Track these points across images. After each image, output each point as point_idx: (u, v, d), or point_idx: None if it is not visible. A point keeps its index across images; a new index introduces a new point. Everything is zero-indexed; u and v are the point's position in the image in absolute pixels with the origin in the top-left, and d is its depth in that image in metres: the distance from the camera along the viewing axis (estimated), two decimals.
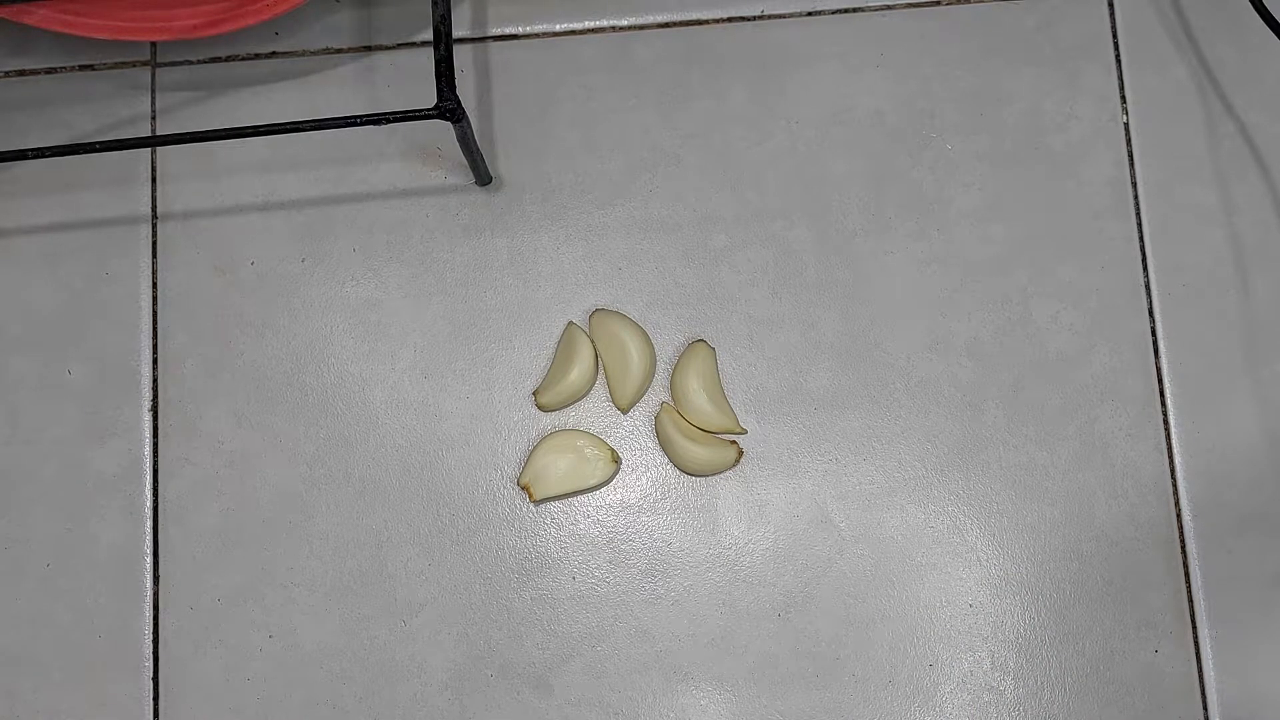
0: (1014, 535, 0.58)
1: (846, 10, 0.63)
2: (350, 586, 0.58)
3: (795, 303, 0.60)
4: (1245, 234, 0.60)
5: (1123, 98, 0.62)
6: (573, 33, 0.63)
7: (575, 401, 0.60)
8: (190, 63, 0.63)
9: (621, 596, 0.58)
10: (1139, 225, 0.61)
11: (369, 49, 0.63)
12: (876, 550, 0.58)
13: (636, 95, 0.62)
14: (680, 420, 0.59)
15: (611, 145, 0.62)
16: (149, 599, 0.58)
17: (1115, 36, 0.62)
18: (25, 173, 0.62)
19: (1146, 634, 0.57)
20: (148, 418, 0.60)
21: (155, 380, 0.60)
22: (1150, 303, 0.60)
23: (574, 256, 0.61)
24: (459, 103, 0.53)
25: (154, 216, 0.62)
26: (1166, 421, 0.59)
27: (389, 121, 0.53)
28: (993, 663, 0.57)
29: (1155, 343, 0.60)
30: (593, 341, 0.60)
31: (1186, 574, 0.58)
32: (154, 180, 0.62)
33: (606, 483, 0.59)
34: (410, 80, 0.62)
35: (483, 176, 0.60)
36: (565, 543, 0.59)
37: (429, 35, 0.63)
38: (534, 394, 0.60)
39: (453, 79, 0.53)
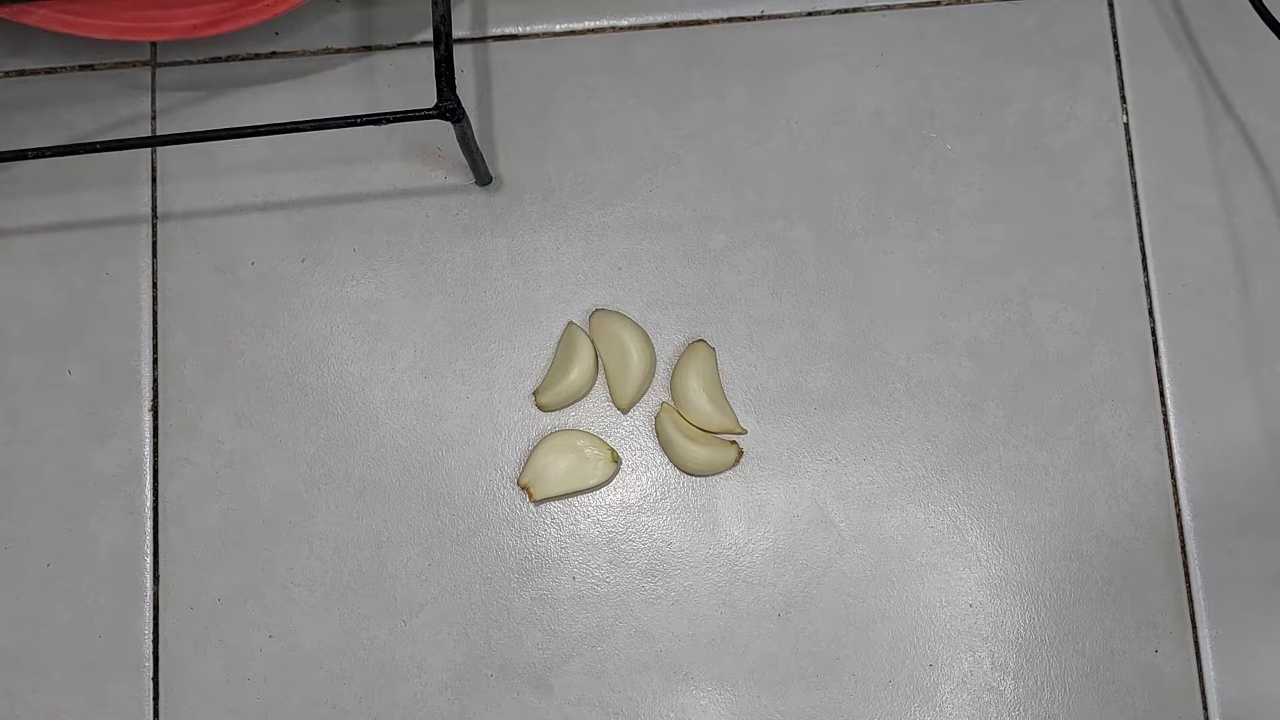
0: (1014, 535, 0.58)
1: (846, 10, 0.63)
2: (350, 586, 0.58)
3: (795, 303, 0.60)
4: (1245, 234, 0.60)
5: (1123, 98, 0.62)
6: (573, 33, 0.63)
7: (575, 401, 0.60)
8: (190, 63, 0.63)
9: (621, 596, 0.58)
10: (1139, 225, 0.61)
11: (369, 49, 0.63)
12: (876, 550, 0.58)
13: (636, 95, 0.62)
14: (680, 420, 0.59)
15: (611, 145, 0.62)
16: (149, 599, 0.58)
17: (1115, 36, 0.62)
18: (25, 173, 0.62)
19: (1146, 634, 0.57)
20: (148, 418, 0.60)
21: (155, 380, 0.60)
22: (1150, 303, 0.60)
23: (574, 256, 0.61)
24: (459, 103, 0.53)
25: (154, 216, 0.62)
26: (1166, 421, 0.59)
27: (389, 121, 0.53)
28: (993, 663, 0.57)
29: (1155, 343, 0.60)
30: (593, 341, 0.60)
31: (1186, 574, 0.58)
32: (154, 180, 0.62)
33: (606, 483, 0.59)
34: (410, 80, 0.62)
35: (483, 176, 0.60)
36: (565, 543, 0.59)
37: (429, 35, 0.63)
38: (534, 394, 0.60)
39: (453, 79, 0.53)
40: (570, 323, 0.60)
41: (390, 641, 0.58)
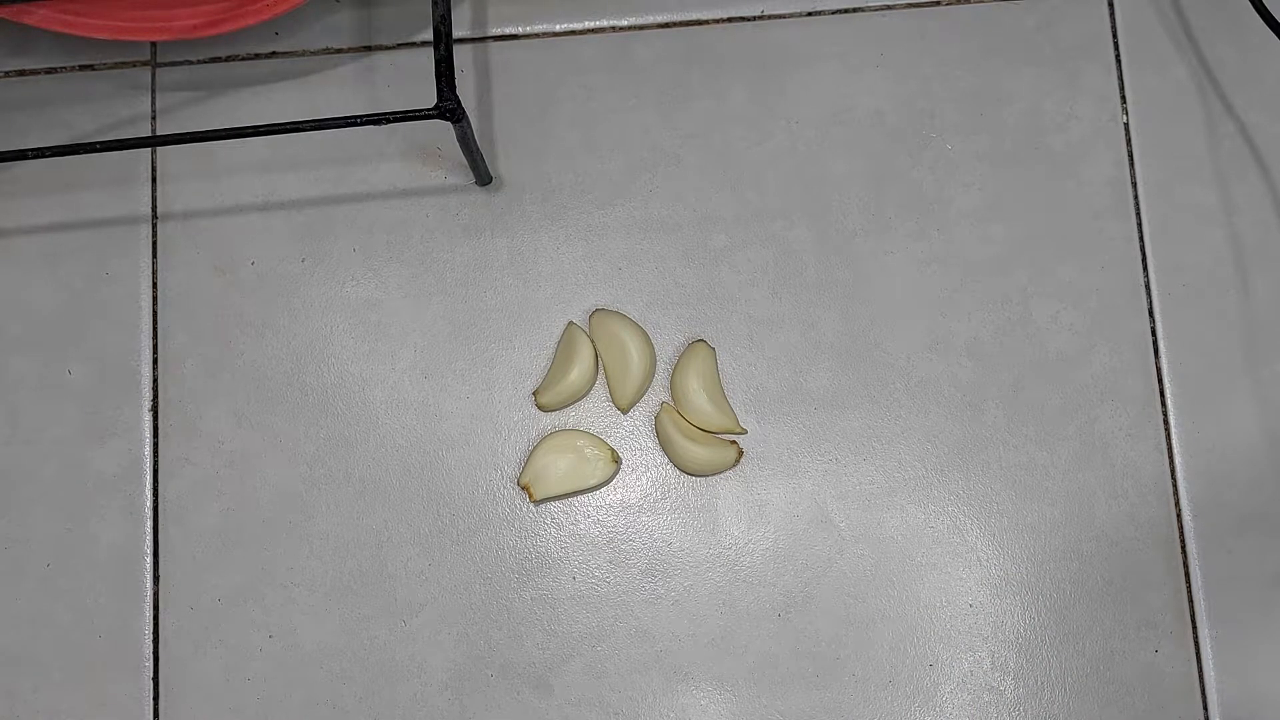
0: (1014, 535, 0.58)
1: (846, 10, 0.63)
2: (350, 586, 0.58)
3: (795, 303, 0.60)
4: (1245, 234, 0.60)
5: (1123, 98, 0.62)
6: (573, 33, 0.63)
7: (575, 401, 0.60)
8: (190, 63, 0.63)
9: (621, 596, 0.58)
10: (1139, 225, 0.61)
11: (369, 49, 0.63)
12: (876, 550, 0.58)
13: (636, 95, 0.62)
14: (680, 420, 0.59)
15: (611, 145, 0.62)
16: (149, 599, 0.58)
17: (1115, 36, 0.62)
18: (25, 173, 0.62)
19: (1146, 634, 0.57)
20: (148, 418, 0.60)
21: (155, 380, 0.60)
22: (1150, 303, 0.60)
23: (574, 256, 0.61)
24: (459, 103, 0.53)
25: (154, 216, 0.62)
26: (1166, 421, 0.59)
27: (389, 121, 0.53)
28: (993, 663, 0.57)
29: (1155, 343, 0.60)
30: (593, 341, 0.60)
31: (1186, 574, 0.58)
32: (154, 180, 0.62)
33: (606, 483, 0.59)
34: (410, 80, 0.62)
35: (483, 176, 0.60)
36: (565, 543, 0.59)
37: (429, 35, 0.63)
38: (534, 394, 0.60)
39: (453, 79, 0.53)
40: (570, 323, 0.60)
41: (390, 641, 0.58)
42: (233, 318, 0.60)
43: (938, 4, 0.63)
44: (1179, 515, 0.58)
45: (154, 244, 0.61)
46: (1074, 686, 0.57)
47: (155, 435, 0.59)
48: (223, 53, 0.63)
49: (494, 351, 0.60)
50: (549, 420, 0.60)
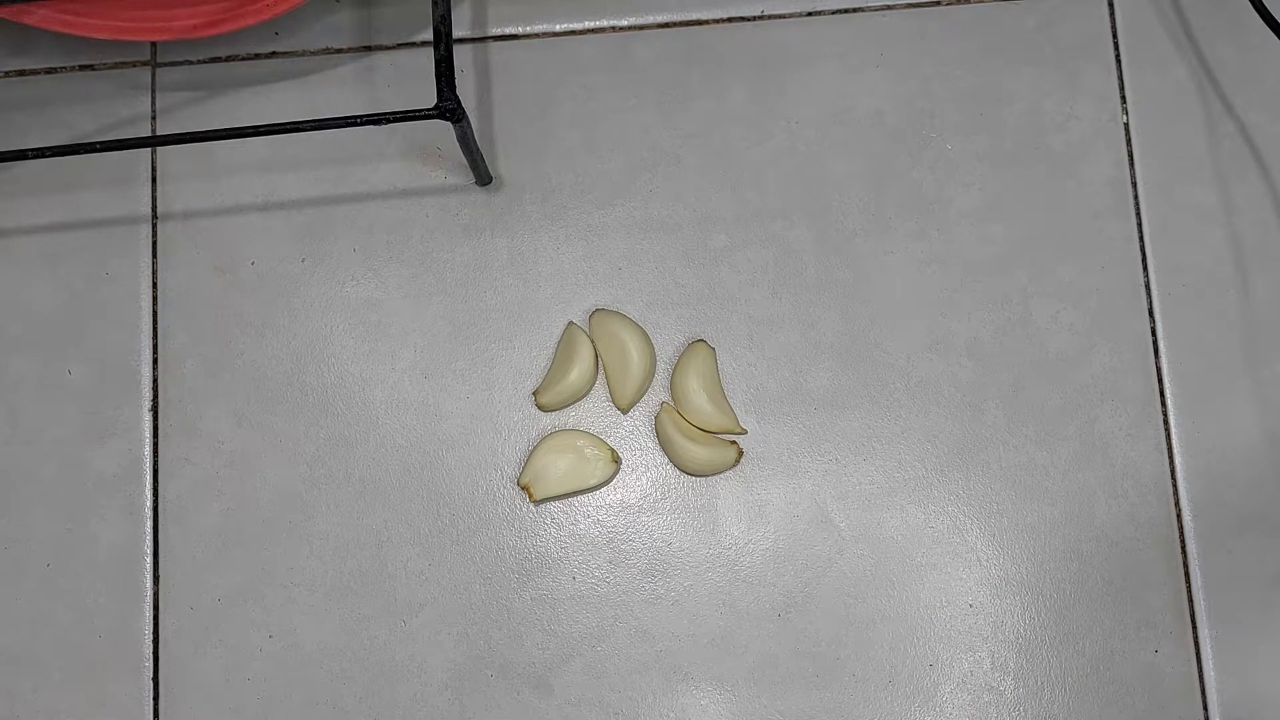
0: (1014, 535, 0.58)
1: (846, 10, 0.63)
2: (350, 586, 0.58)
3: (795, 303, 0.60)
4: (1245, 234, 0.60)
5: (1123, 98, 0.62)
6: (573, 33, 0.63)
7: (575, 401, 0.60)
8: (190, 63, 0.63)
9: (621, 596, 0.58)
10: (1139, 225, 0.61)
11: (369, 49, 0.63)
12: (876, 550, 0.58)
13: (636, 95, 0.62)
14: (680, 420, 0.59)
15: (611, 145, 0.62)
16: (149, 599, 0.58)
17: (1115, 36, 0.62)
18: (25, 173, 0.62)
19: (1146, 634, 0.57)
20: (148, 418, 0.60)
21: (155, 380, 0.60)
22: (1150, 303, 0.60)
23: (574, 256, 0.61)
24: (459, 103, 0.53)
25: (154, 216, 0.62)
26: (1166, 421, 0.59)
27: (389, 121, 0.53)
28: (993, 663, 0.57)
29: (1155, 343, 0.60)
30: (593, 341, 0.60)
31: (1186, 574, 0.58)
32: (154, 180, 0.62)
33: (606, 483, 0.59)
34: (410, 80, 0.62)
35: (483, 176, 0.60)
36: (565, 543, 0.59)
37: (429, 35, 0.63)
38: (534, 394, 0.60)
39: (453, 79, 0.53)
40: (570, 323, 0.60)
41: (390, 641, 0.58)
42: (233, 318, 0.60)
43: (938, 4, 0.63)
44: (1179, 515, 0.58)
45: (154, 244, 0.61)
46: (1074, 686, 0.57)
47: (155, 435, 0.59)
48: (223, 53, 0.63)
49: (494, 351, 0.60)
50: (549, 420, 0.60)
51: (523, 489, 0.59)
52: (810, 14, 0.63)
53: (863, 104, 0.62)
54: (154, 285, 0.61)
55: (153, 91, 0.63)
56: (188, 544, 0.59)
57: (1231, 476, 0.58)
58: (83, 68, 0.63)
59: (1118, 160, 0.61)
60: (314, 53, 0.63)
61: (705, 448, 0.58)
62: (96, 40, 0.60)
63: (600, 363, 0.60)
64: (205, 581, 0.58)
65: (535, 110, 0.62)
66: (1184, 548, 0.58)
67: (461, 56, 0.62)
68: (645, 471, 0.59)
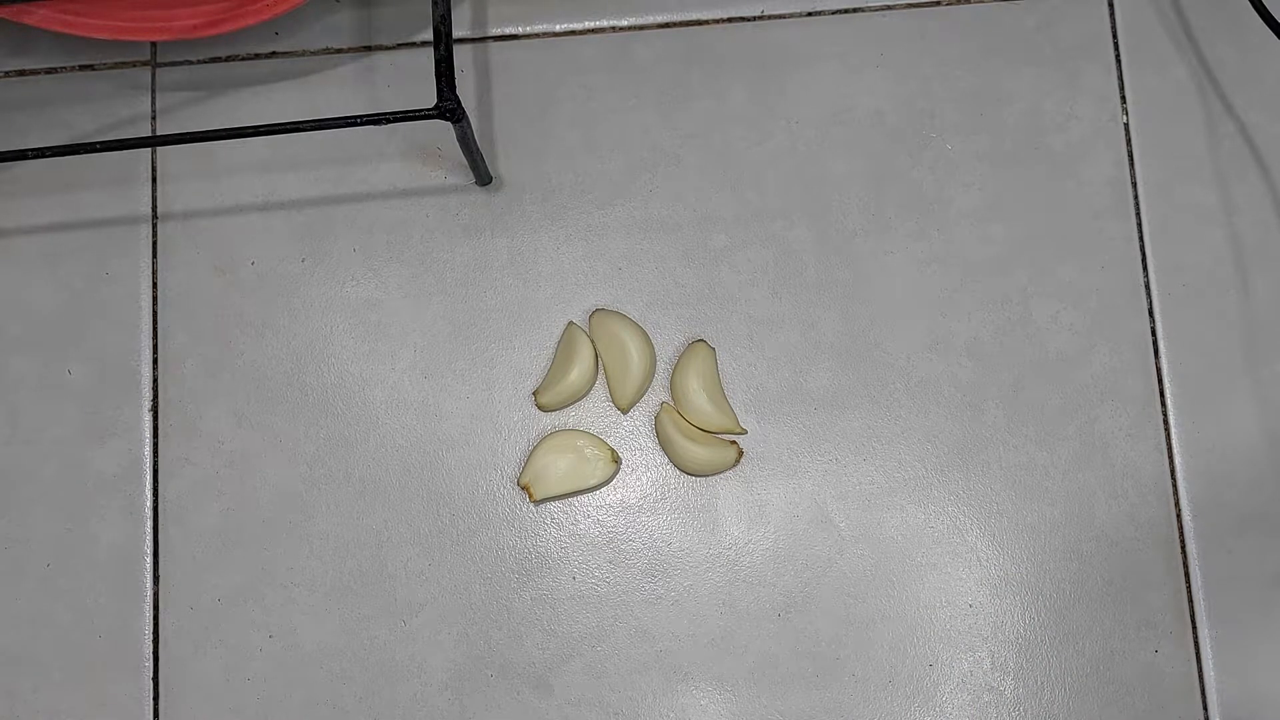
0: (1014, 535, 0.58)
1: (846, 10, 0.63)
2: (350, 586, 0.58)
3: (795, 303, 0.60)
4: (1245, 234, 0.60)
5: (1123, 98, 0.62)
6: (573, 33, 0.63)
7: (575, 401, 0.60)
8: (190, 63, 0.63)
9: (621, 596, 0.58)
10: (1139, 225, 0.61)
11: (369, 49, 0.63)
12: (876, 550, 0.58)
13: (636, 95, 0.62)
14: (680, 420, 0.59)
15: (611, 145, 0.62)
16: (149, 599, 0.58)
17: (1115, 36, 0.62)
18: (25, 173, 0.62)
19: (1146, 634, 0.57)
20: (148, 418, 0.60)
21: (155, 380, 0.60)
22: (1150, 303, 0.60)
23: (574, 256, 0.61)
24: (459, 103, 0.53)
25: (154, 216, 0.62)
26: (1166, 421, 0.59)
27: (389, 121, 0.53)
28: (993, 663, 0.57)
29: (1155, 343, 0.60)
30: (593, 341, 0.60)
31: (1186, 574, 0.58)
32: (154, 180, 0.62)
33: (606, 483, 0.59)
34: (410, 80, 0.62)
35: (483, 176, 0.60)
36: (565, 543, 0.59)
37: (429, 35, 0.63)
38: (534, 394, 0.60)
39: (453, 79, 0.53)
40: (570, 323, 0.60)
41: (390, 641, 0.58)
42: (233, 318, 0.60)
43: (938, 4, 0.63)
44: (1179, 515, 0.58)
45: (154, 244, 0.61)
46: (1074, 686, 0.57)
47: (155, 435, 0.59)
48: (223, 53, 0.63)
49: (494, 351, 0.60)
50: (549, 420, 0.60)
51: (523, 489, 0.59)
52: (810, 14, 0.63)
53: (863, 104, 0.62)
54: (154, 285, 0.61)
55: (153, 91, 0.63)
56: (188, 544, 0.59)
57: (1231, 476, 0.58)
58: (83, 68, 0.63)
59: (1118, 160, 0.61)
60: (314, 53, 0.63)
61: (705, 448, 0.58)
62: (96, 40, 0.60)
63: (600, 363, 0.60)
64: (205, 581, 0.58)
65: (535, 110, 0.62)
66: (1184, 548, 0.58)
67: (461, 56, 0.62)
68: (645, 471, 0.59)
